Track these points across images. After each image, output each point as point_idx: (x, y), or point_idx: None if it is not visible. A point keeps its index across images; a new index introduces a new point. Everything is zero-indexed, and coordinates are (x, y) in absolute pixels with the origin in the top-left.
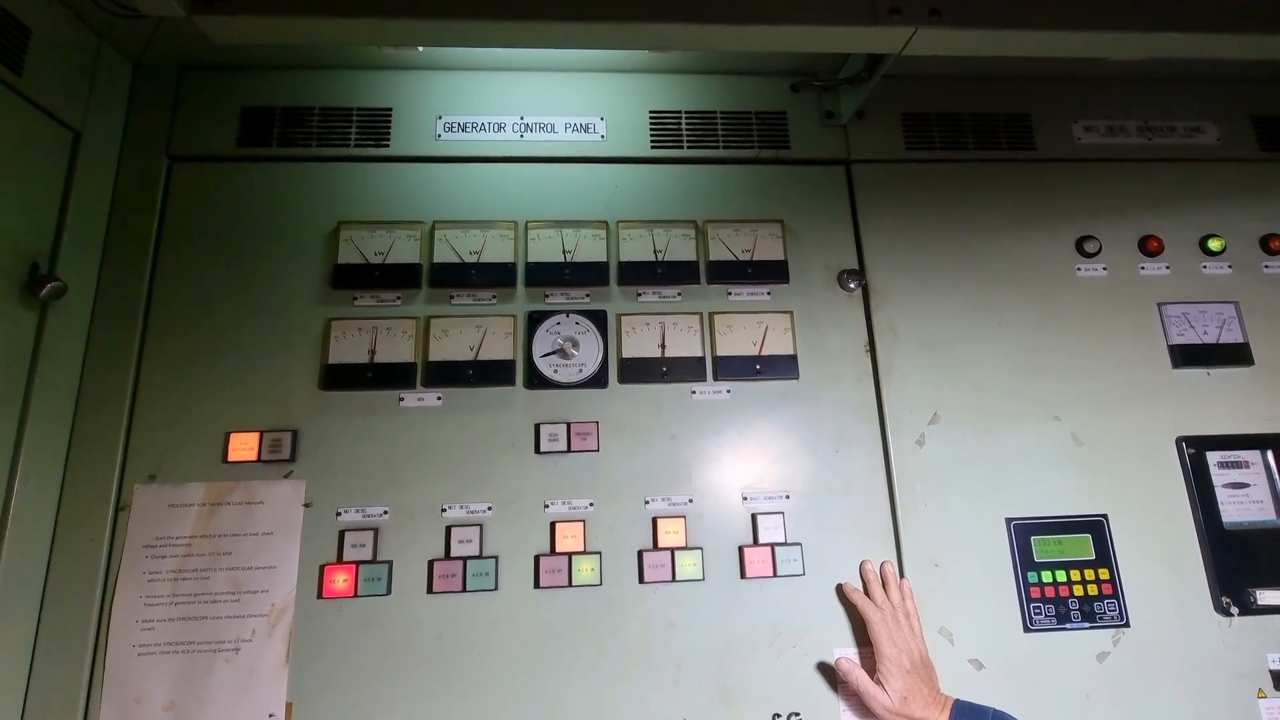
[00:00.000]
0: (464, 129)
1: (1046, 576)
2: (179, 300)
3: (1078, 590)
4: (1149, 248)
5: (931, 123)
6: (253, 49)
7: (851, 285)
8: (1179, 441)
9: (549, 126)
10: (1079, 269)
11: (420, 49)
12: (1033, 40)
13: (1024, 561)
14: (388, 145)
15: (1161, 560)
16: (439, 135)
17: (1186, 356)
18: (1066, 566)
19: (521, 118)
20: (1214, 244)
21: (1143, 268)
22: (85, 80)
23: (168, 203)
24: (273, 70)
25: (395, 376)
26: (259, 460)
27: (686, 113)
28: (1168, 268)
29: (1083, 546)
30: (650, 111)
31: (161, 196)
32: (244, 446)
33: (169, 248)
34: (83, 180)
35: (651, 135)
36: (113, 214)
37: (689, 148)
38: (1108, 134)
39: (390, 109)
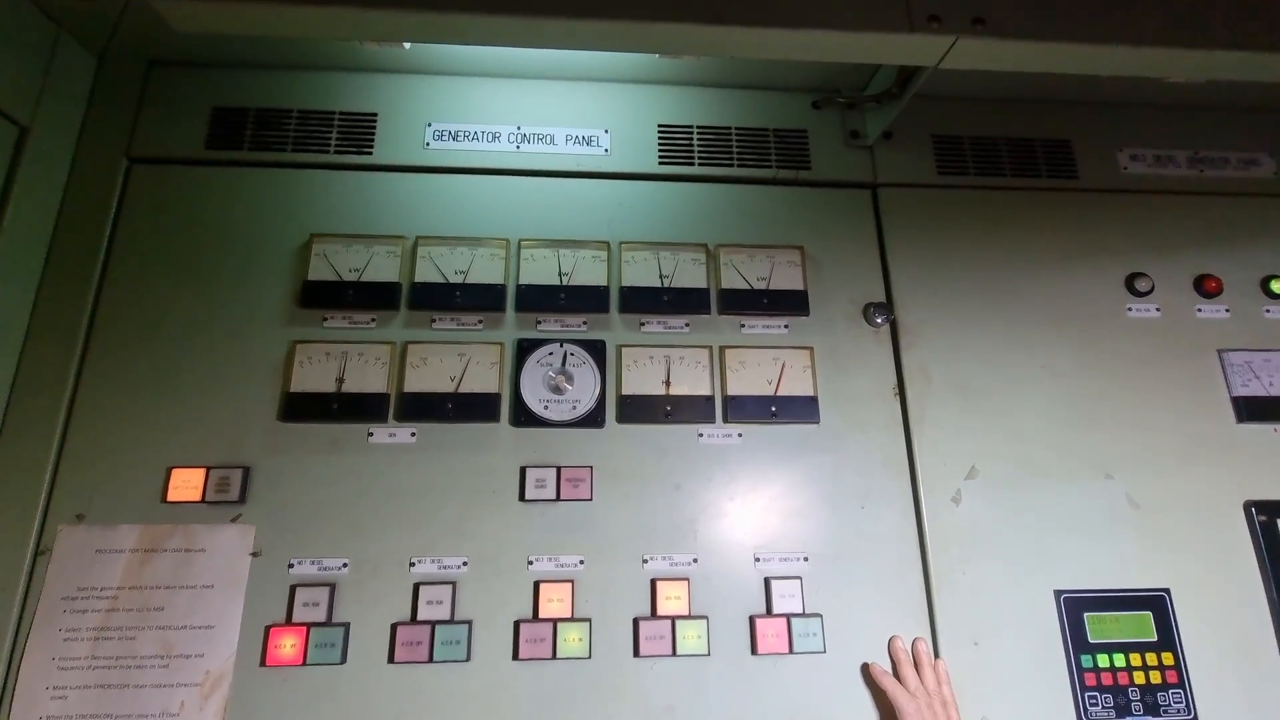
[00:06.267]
0: (455, 138)
1: (1103, 660)
2: (126, 316)
3: (1138, 677)
4: (1206, 288)
5: (965, 146)
6: (227, 44)
7: (878, 320)
8: (1247, 506)
9: (548, 138)
10: (1130, 309)
11: (407, 46)
12: (1084, 56)
13: (1076, 642)
14: (370, 153)
15: (1231, 643)
16: (428, 143)
17: (1252, 410)
18: (1125, 649)
19: (518, 127)
20: (1277, 286)
21: (1200, 310)
22: (38, 71)
23: (123, 208)
24: (249, 69)
25: (365, 408)
26: (203, 501)
27: (698, 127)
28: (1227, 310)
29: (1143, 626)
30: (659, 125)
31: (117, 201)
32: (187, 484)
33: (120, 257)
34: (27, 180)
35: (660, 150)
36: (60, 218)
37: (700, 165)
38: (1155, 164)
39: (375, 114)
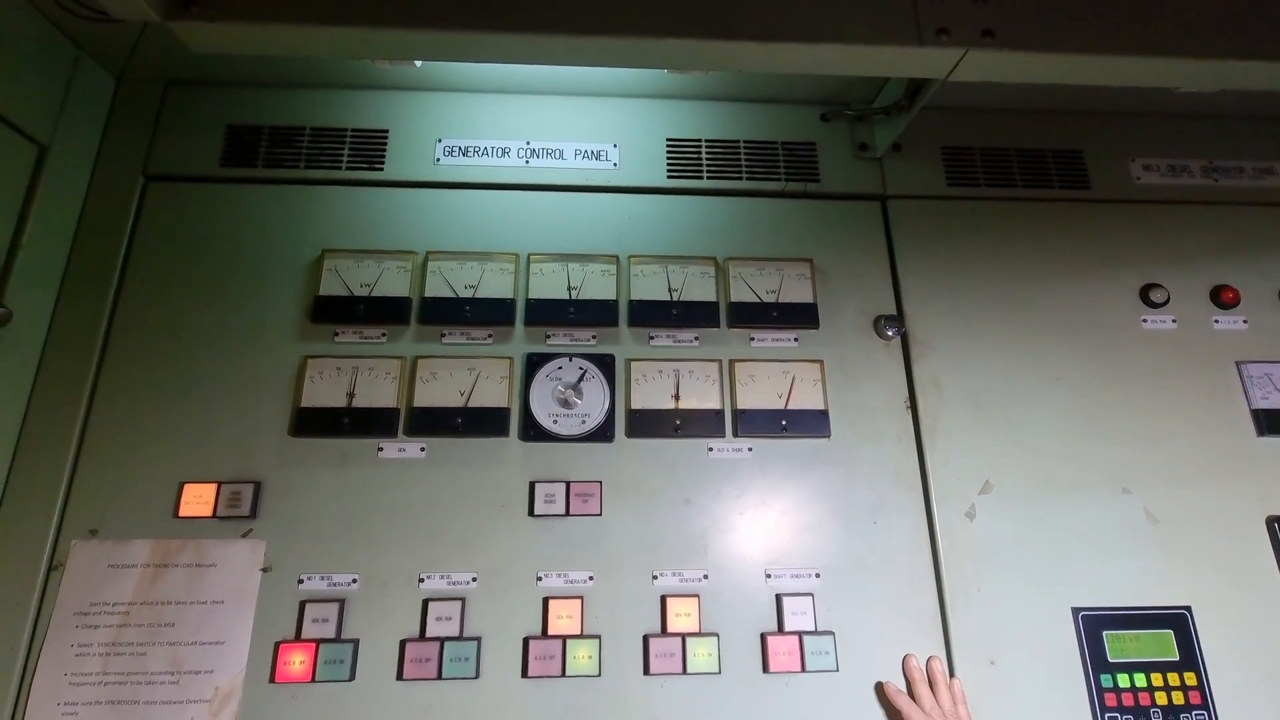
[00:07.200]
0: (465, 153)
1: (1123, 680)
2: (141, 332)
3: (1160, 698)
4: (1223, 299)
5: (975, 157)
6: (242, 63)
7: (889, 333)
8: (1270, 522)
9: (557, 153)
10: (1144, 320)
11: (418, 64)
12: (1095, 66)
13: (1095, 662)
14: (382, 169)
15: (1255, 662)
16: (438, 159)
17: (1272, 424)
18: (1146, 669)
19: (528, 143)
20: None
21: (1216, 321)
22: (58, 92)
23: (139, 225)
24: (264, 87)
25: (375, 423)
26: (214, 516)
27: (707, 141)
28: (1245, 321)
29: (1164, 645)
30: (668, 139)
31: (133, 218)
32: (199, 500)
33: (135, 274)
34: (46, 198)
35: (669, 164)
36: (78, 236)
37: (709, 178)
38: (1169, 173)
39: (387, 130)
